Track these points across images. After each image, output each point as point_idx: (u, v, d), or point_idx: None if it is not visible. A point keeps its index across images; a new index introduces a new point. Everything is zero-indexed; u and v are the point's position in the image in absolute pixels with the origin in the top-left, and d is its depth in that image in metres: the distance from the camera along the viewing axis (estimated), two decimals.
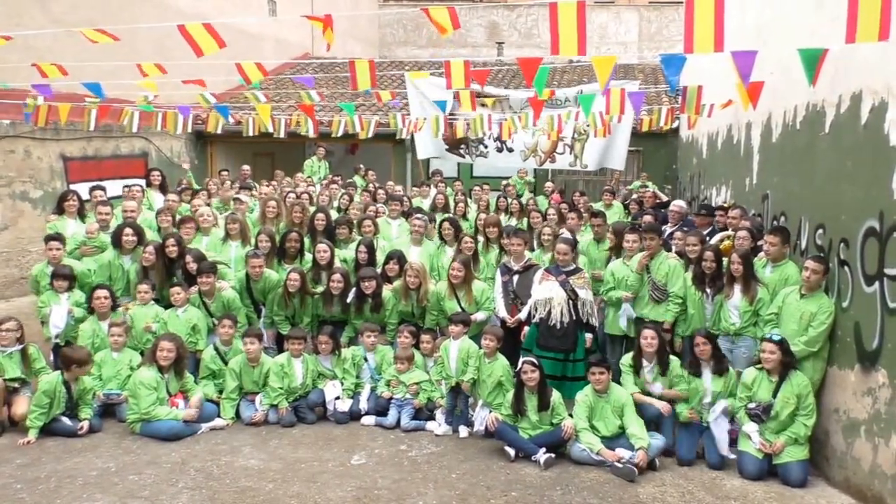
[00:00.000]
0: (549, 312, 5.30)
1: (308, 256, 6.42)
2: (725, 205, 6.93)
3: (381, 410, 5.40)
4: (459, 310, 5.66)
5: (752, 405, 4.58)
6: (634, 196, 9.36)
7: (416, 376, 5.48)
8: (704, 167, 9.69)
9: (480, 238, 6.55)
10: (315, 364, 5.63)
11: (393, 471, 4.51)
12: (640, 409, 4.80)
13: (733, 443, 4.74)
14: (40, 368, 5.33)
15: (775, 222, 5.79)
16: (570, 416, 4.80)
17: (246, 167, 10.78)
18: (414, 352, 5.61)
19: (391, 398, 5.42)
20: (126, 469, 4.47)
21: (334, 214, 7.52)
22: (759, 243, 5.42)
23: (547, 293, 5.35)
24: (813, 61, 3.92)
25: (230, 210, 7.60)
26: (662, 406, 4.80)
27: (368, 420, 5.35)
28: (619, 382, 4.97)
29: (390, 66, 16.50)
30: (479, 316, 5.73)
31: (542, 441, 4.71)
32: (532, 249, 6.41)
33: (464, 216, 7.95)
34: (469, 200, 8.80)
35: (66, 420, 5.02)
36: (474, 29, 20.24)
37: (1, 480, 4.29)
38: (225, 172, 10.50)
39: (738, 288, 5.08)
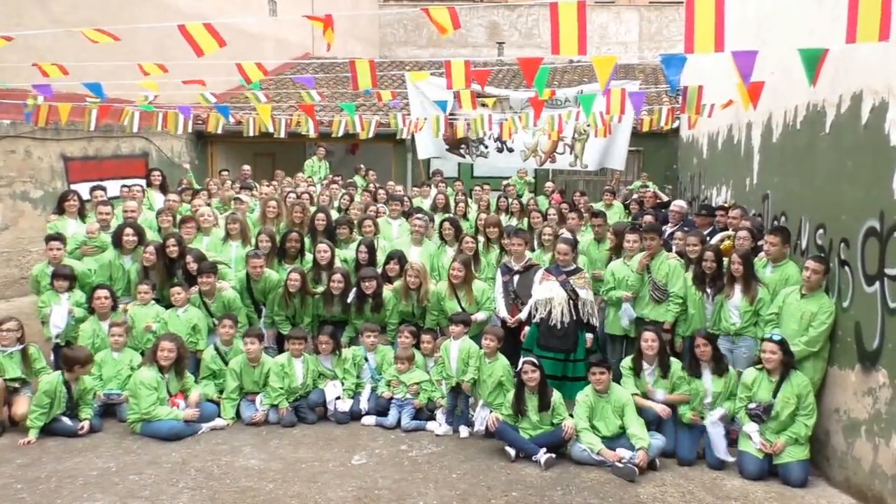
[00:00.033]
0: (550, 312, 5.30)
1: (308, 256, 6.42)
2: (726, 205, 6.93)
3: (381, 410, 5.40)
4: (460, 310, 5.66)
5: (752, 405, 4.58)
6: (635, 196, 9.36)
7: (416, 376, 5.48)
8: (705, 167, 9.69)
9: (481, 238, 6.54)
10: (315, 364, 5.63)
11: (393, 471, 4.51)
12: (640, 410, 4.80)
13: (733, 443, 4.74)
14: (41, 368, 5.33)
15: (776, 222, 5.79)
16: (571, 416, 4.80)
17: (246, 167, 10.78)
18: (414, 352, 5.61)
19: (392, 398, 5.42)
20: (126, 469, 4.47)
21: (335, 214, 7.52)
22: (760, 243, 5.41)
23: (547, 293, 5.35)
24: (813, 61, 3.93)
25: (230, 210, 7.60)
26: (661, 410, 4.79)
27: (369, 420, 5.35)
28: (619, 383, 4.96)
29: (391, 66, 16.50)
30: (480, 316, 5.73)
31: (543, 441, 4.71)
32: (532, 249, 6.41)
33: (464, 216, 7.95)
34: (469, 200, 8.80)
35: (66, 420, 5.02)
36: (475, 29, 20.24)
37: (1, 480, 4.29)
38: (225, 172, 10.50)
39: (738, 288, 5.08)
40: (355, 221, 7.13)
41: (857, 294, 4.23)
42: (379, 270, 6.13)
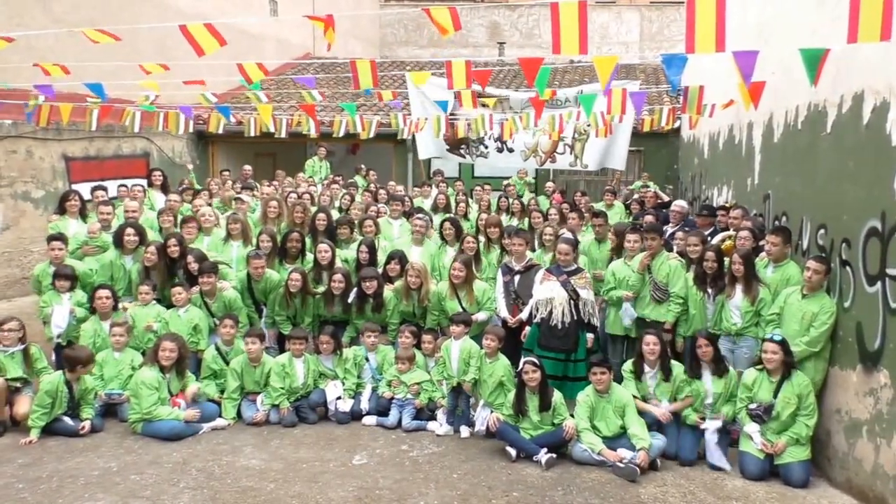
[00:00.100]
0: (551, 312, 5.30)
1: (309, 256, 6.42)
2: (727, 205, 6.92)
3: (382, 410, 5.40)
4: (461, 310, 5.66)
5: (752, 405, 4.58)
6: (636, 196, 9.36)
7: (417, 376, 5.48)
8: (706, 167, 9.68)
9: (482, 238, 6.54)
10: (316, 364, 5.63)
11: (394, 471, 4.51)
12: (640, 412, 4.79)
13: (734, 443, 4.74)
14: (42, 368, 5.33)
15: (777, 222, 5.79)
16: (572, 416, 4.80)
17: (247, 167, 10.78)
18: (415, 352, 5.61)
19: (392, 398, 5.42)
20: (128, 469, 4.47)
21: (335, 214, 7.52)
22: (761, 243, 5.41)
23: (548, 293, 5.35)
24: (814, 61, 3.92)
25: (231, 210, 7.60)
26: (661, 414, 4.78)
27: (370, 420, 5.36)
28: (620, 384, 4.96)
29: (391, 66, 16.51)
30: (481, 316, 5.73)
31: (544, 441, 4.71)
32: (533, 249, 6.41)
33: (465, 216, 7.95)
34: (470, 200, 8.80)
35: (67, 420, 5.02)
36: (475, 29, 20.24)
37: (3, 480, 4.29)
38: (226, 172, 10.51)
39: (739, 288, 5.08)
40: (356, 221, 7.13)
41: (859, 294, 4.23)
42: (380, 270, 6.13)
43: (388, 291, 5.97)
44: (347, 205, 8.10)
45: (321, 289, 6.08)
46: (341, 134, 9.53)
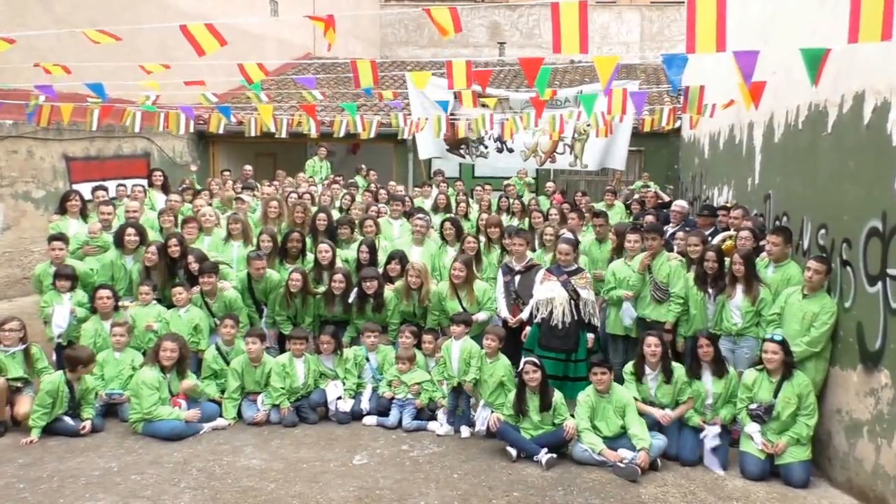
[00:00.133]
0: (551, 312, 5.29)
1: (310, 256, 6.42)
2: (728, 205, 6.92)
3: (382, 410, 5.40)
4: (461, 310, 5.66)
5: (753, 406, 4.57)
6: (636, 196, 9.36)
7: (417, 376, 5.48)
8: (706, 167, 9.68)
9: (482, 238, 6.55)
10: (317, 364, 5.63)
11: (395, 471, 4.51)
12: (641, 414, 4.78)
13: (735, 443, 4.73)
14: (43, 368, 5.33)
15: (777, 222, 5.78)
16: (572, 416, 4.80)
17: (248, 167, 10.79)
18: (415, 352, 5.61)
19: (393, 398, 5.42)
20: (128, 469, 4.47)
21: (336, 214, 7.52)
22: (762, 243, 5.41)
23: (549, 293, 5.35)
24: (815, 61, 3.92)
25: (231, 210, 7.61)
26: (661, 416, 4.78)
27: (370, 420, 5.36)
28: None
29: (392, 66, 16.51)
30: (481, 316, 5.73)
31: (544, 441, 4.71)
32: (534, 249, 6.41)
33: (465, 216, 7.95)
34: (471, 200, 8.81)
35: (68, 420, 5.02)
36: (476, 29, 20.24)
37: (4, 480, 4.30)
38: (227, 172, 10.51)
39: (740, 288, 5.07)
40: (356, 221, 7.13)
41: (859, 294, 4.23)
42: (380, 270, 6.13)
43: (388, 291, 5.97)
44: (348, 205, 8.10)
45: (322, 289, 6.08)
46: (342, 134, 9.53)
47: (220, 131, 9.16)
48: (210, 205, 7.61)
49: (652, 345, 4.85)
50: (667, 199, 9.41)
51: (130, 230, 6.24)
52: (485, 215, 7.46)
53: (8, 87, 7.30)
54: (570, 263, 5.45)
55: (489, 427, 4.85)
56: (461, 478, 4.43)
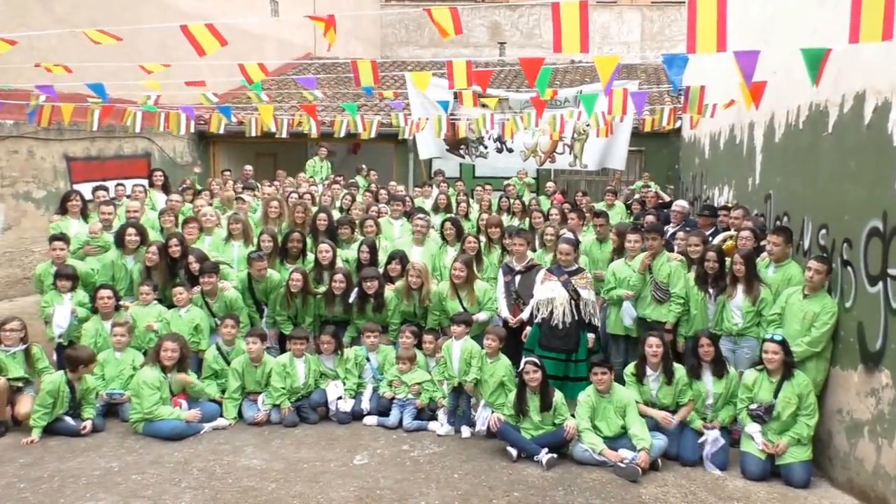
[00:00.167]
0: (552, 312, 5.29)
1: (310, 256, 6.42)
2: (728, 205, 6.92)
3: (383, 410, 5.40)
4: (461, 310, 5.66)
5: (753, 406, 4.57)
6: (637, 196, 9.35)
7: (418, 376, 5.48)
8: (707, 167, 9.67)
9: (483, 238, 6.55)
10: (317, 364, 5.63)
11: (395, 471, 4.51)
12: (641, 415, 4.78)
13: (736, 443, 4.73)
14: (43, 368, 5.34)
15: (778, 222, 5.78)
16: (573, 416, 4.80)
17: (248, 167, 10.79)
18: (416, 352, 5.61)
19: (393, 398, 5.42)
20: (129, 468, 4.48)
21: (336, 214, 7.52)
22: (762, 243, 5.41)
23: (549, 293, 5.34)
24: (816, 61, 3.92)
25: (230, 210, 7.61)
26: (662, 417, 4.78)
27: (371, 420, 5.36)
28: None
29: (392, 66, 16.51)
30: (482, 316, 5.73)
31: (545, 441, 4.71)
32: (534, 249, 6.41)
33: (466, 216, 7.95)
34: (471, 200, 8.81)
35: (69, 420, 5.03)
36: (476, 29, 20.24)
37: (5, 480, 4.30)
38: (227, 172, 10.52)
39: (740, 288, 5.07)
40: (357, 221, 7.13)
41: (860, 294, 4.22)
42: (381, 270, 6.14)
43: (389, 291, 5.97)
44: (348, 205, 8.10)
45: (322, 289, 6.08)
46: (342, 134, 9.53)
47: (221, 131, 9.16)
48: (210, 205, 7.61)
49: (653, 345, 4.85)
50: (667, 199, 9.41)
51: (131, 230, 6.24)
52: (485, 215, 7.46)
53: (9, 88, 7.30)
54: (570, 263, 5.45)
55: (490, 427, 4.85)
56: (462, 478, 4.43)
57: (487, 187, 9.69)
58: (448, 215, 7.53)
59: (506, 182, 10.30)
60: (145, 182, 8.91)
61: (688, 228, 6.45)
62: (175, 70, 6.33)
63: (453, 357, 5.28)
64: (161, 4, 11.49)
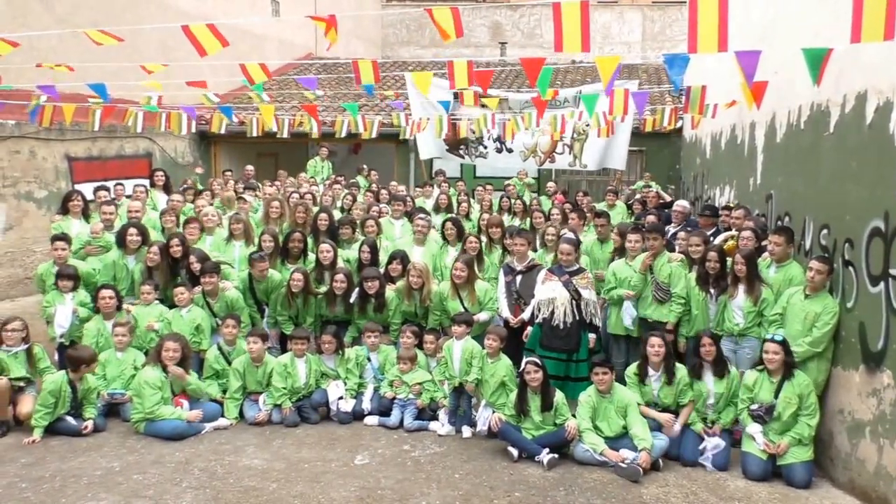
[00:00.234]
0: (553, 312, 5.29)
1: (311, 256, 6.43)
2: (729, 205, 6.91)
3: (384, 410, 5.40)
4: (462, 310, 5.66)
5: (754, 406, 4.57)
6: (638, 196, 9.35)
7: (419, 376, 5.48)
8: (708, 167, 9.67)
9: (483, 238, 6.55)
10: (318, 364, 5.64)
11: (396, 471, 4.52)
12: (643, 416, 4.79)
13: (737, 443, 4.73)
14: (45, 368, 5.34)
15: (779, 222, 5.77)
16: (574, 416, 4.80)
17: (249, 167, 10.80)
18: (417, 352, 5.62)
19: (394, 398, 5.42)
20: (130, 468, 4.48)
21: (337, 214, 7.53)
22: (764, 243, 5.40)
23: (550, 293, 5.34)
24: (817, 61, 3.92)
25: (231, 210, 7.62)
26: (665, 420, 4.77)
27: (372, 420, 5.36)
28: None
29: (393, 66, 16.52)
30: (482, 316, 5.73)
31: (546, 441, 4.71)
32: (535, 249, 6.41)
33: (467, 216, 7.95)
34: (472, 200, 8.81)
35: (70, 419, 5.03)
36: (477, 29, 20.24)
37: (6, 479, 4.30)
38: (228, 173, 10.52)
39: (741, 288, 5.07)
40: (358, 221, 7.14)
41: (862, 294, 4.22)
42: (381, 270, 6.14)
43: (389, 291, 5.97)
44: (349, 205, 8.10)
45: (323, 289, 6.08)
46: (343, 134, 9.54)
47: (222, 131, 9.17)
48: (212, 205, 7.62)
49: (655, 345, 4.85)
50: (668, 199, 9.40)
51: (132, 230, 6.25)
52: (486, 215, 7.46)
53: (10, 88, 7.31)
54: (571, 263, 5.45)
55: (490, 427, 4.85)
56: (463, 478, 4.43)
57: (488, 187, 9.69)
58: (449, 215, 7.53)
59: (506, 182, 10.30)
60: (146, 182, 8.91)
61: (689, 228, 6.44)
62: (176, 70, 6.34)
63: (454, 357, 5.28)
64: (162, 5, 11.50)
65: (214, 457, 4.69)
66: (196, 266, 5.90)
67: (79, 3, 9.86)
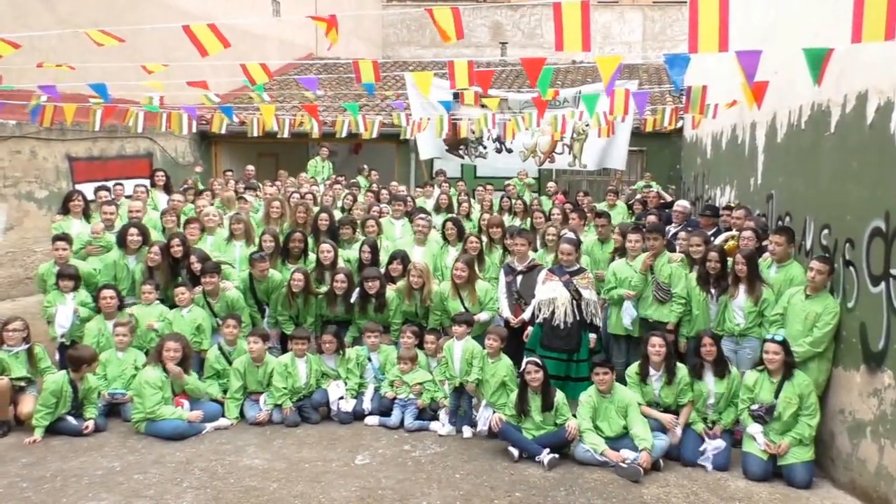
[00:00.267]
0: (553, 312, 5.29)
1: (312, 256, 6.43)
2: (730, 205, 6.91)
3: (384, 410, 5.40)
4: (463, 310, 5.66)
5: (754, 406, 4.57)
6: (638, 196, 9.35)
7: (419, 376, 5.48)
8: (709, 167, 9.66)
9: (484, 238, 6.55)
10: (319, 364, 5.64)
11: (397, 471, 4.52)
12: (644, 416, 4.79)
13: (737, 444, 4.73)
14: (46, 368, 5.35)
15: (780, 222, 5.77)
16: (574, 416, 4.80)
17: (250, 167, 10.80)
18: (417, 352, 5.62)
19: (395, 398, 5.42)
20: (131, 468, 4.48)
21: (338, 214, 7.53)
22: (764, 244, 5.40)
23: (550, 293, 5.34)
24: (818, 61, 3.92)
25: (231, 210, 7.62)
26: (667, 421, 4.77)
27: (372, 420, 5.36)
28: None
29: (394, 66, 16.52)
30: (483, 316, 5.73)
31: (546, 441, 4.71)
32: (535, 250, 6.41)
33: (467, 216, 7.95)
34: (473, 201, 8.81)
35: (71, 419, 5.04)
36: (478, 29, 20.24)
37: (7, 479, 4.31)
38: (229, 172, 10.52)
39: (742, 288, 5.07)
40: (358, 221, 7.14)
41: (863, 294, 4.22)
42: (382, 270, 6.14)
43: (390, 291, 5.97)
44: (350, 205, 8.10)
45: (324, 289, 6.09)
46: (344, 134, 9.53)
47: (223, 131, 9.17)
48: (212, 205, 7.62)
49: (656, 345, 4.85)
50: (669, 199, 9.40)
51: (133, 230, 6.25)
52: (487, 215, 7.46)
53: (11, 88, 7.31)
54: (572, 263, 5.45)
55: (491, 427, 4.85)
56: (463, 478, 4.43)
57: (489, 187, 9.68)
58: (449, 215, 7.53)
59: (506, 182, 10.30)
60: (147, 182, 8.92)
61: (689, 228, 6.44)
62: (177, 70, 6.34)
63: (455, 357, 5.28)
64: (163, 5, 11.50)
65: (215, 457, 4.69)
66: (197, 266, 5.91)
67: (80, 3, 9.87)
